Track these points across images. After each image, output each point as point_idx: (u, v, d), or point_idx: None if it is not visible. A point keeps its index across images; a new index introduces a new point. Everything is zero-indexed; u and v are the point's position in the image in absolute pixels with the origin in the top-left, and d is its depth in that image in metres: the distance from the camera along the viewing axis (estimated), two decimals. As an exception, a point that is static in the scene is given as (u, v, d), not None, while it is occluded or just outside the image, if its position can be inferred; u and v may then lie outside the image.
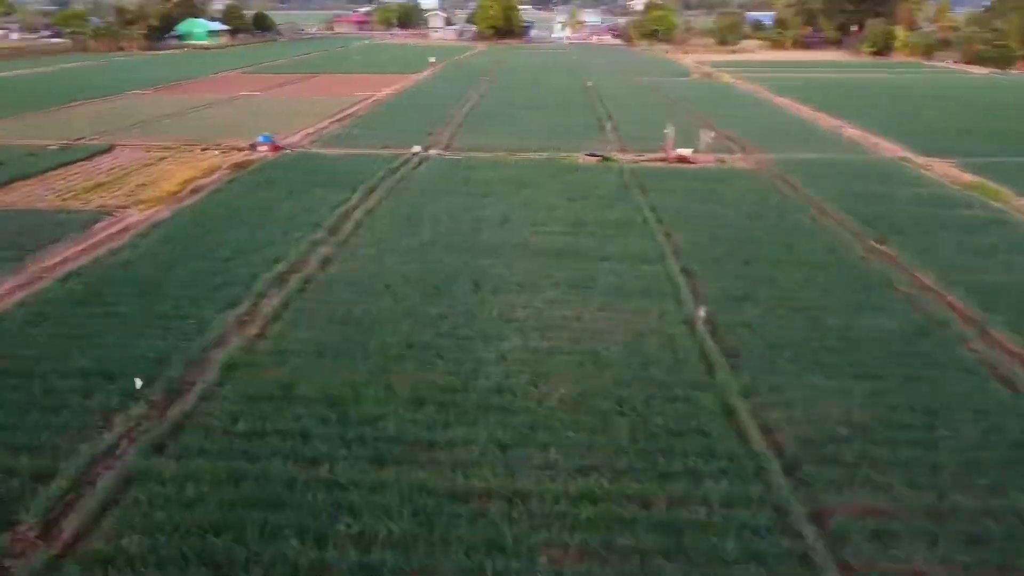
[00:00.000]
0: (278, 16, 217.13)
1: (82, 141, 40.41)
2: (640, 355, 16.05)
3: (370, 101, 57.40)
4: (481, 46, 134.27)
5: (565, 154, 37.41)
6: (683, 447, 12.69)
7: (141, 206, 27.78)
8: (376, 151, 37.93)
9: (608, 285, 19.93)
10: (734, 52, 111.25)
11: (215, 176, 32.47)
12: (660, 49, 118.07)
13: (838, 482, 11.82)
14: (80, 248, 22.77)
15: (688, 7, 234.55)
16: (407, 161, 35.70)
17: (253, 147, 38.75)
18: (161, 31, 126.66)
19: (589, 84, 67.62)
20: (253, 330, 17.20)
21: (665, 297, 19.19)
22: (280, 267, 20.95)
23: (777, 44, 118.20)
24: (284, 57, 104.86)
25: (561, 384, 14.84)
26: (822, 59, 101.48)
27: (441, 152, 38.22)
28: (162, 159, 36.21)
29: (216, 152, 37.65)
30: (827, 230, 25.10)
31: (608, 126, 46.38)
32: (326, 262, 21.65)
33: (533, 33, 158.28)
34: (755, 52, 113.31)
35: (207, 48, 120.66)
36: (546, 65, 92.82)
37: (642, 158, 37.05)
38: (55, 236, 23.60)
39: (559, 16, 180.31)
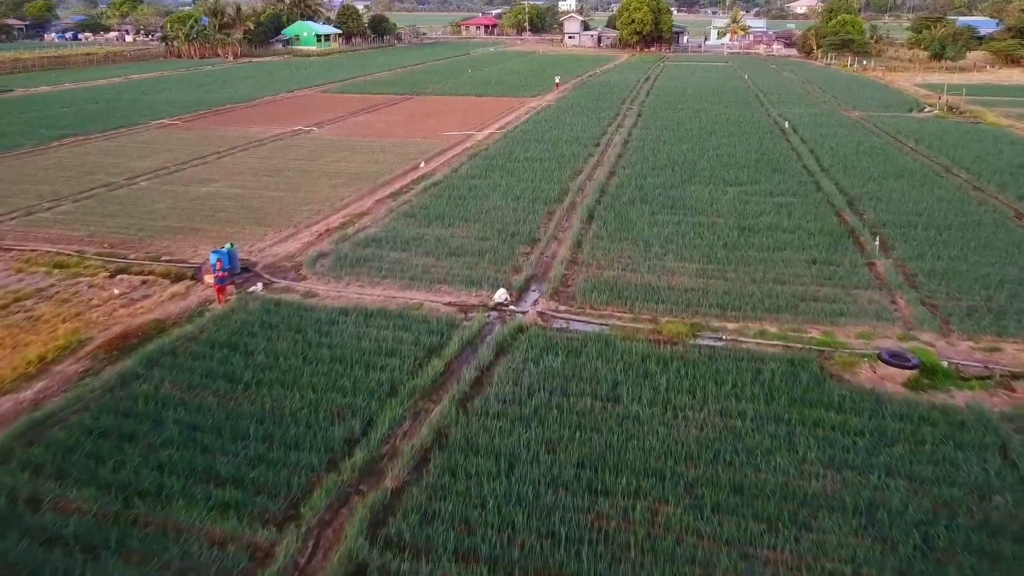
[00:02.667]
0: (414, 18, 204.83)
1: (-54, 237, 24.00)
2: None
3: (457, 151, 38.69)
4: (624, 56, 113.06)
5: (820, 336, 17.05)
6: None
7: None
8: (423, 296, 19.09)
9: None
10: (961, 71, 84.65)
11: (35, 388, 14.44)
12: (853, 64, 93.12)
13: None
14: None
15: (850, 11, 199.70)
16: (471, 342, 16.61)
17: (199, 272, 20.82)
18: (267, 34, 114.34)
19: (786, 125, 45.95)
20: None
21: None
22: None
23: (1015, 59, 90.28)
24: (389, 68, 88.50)
25: None
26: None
27: (546, 311, 18.70)
28: (15, 300, 18.78)
29: (116, 292, 19.72)
30: None
31: (858, 224, 25.26)
32: None
33: (684, 40, 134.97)
34: (986, 70, 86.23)
35: (310, 55, 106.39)
36: (711, 87, 70.21)
37: (1002, 363, 16.08)
38: None
39: (716, 21, 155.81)
